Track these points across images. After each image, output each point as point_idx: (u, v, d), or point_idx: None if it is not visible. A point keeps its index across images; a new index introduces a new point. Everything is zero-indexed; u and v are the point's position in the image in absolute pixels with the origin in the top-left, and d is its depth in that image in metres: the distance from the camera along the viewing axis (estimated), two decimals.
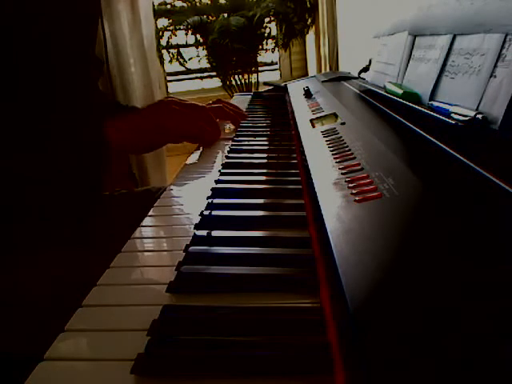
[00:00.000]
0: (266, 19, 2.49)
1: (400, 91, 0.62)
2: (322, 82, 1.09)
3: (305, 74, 2.87)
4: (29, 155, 0.53)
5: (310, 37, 2.61)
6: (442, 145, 0.42)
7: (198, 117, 0.68)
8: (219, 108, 0.82)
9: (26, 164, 0.53)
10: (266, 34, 2.58)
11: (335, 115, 0.69)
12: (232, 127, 0.87)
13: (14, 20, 0.54)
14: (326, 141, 0.56)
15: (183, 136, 0.69)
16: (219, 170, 0.59)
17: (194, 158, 0.71)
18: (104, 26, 1.52)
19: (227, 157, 0.65)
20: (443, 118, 0.48)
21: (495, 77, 0.43)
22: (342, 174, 0.43)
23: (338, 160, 0.47)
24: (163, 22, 2.56)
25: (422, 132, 0.47)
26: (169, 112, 0.64)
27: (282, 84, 1.31)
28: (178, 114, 0.65)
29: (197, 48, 2.65)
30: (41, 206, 0.56)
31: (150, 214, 0.49)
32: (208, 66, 2.66)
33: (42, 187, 0.54)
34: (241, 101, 1.14)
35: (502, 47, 0.43)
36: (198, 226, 0.42)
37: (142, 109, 0.63)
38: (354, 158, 0.46)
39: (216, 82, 2.83)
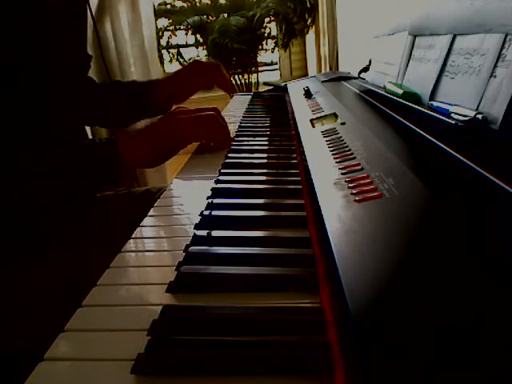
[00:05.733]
0: (266, 19, 2.48)
1: (400, 91, 0.62)
2: (322, 81, 1.09)
3: (305, 74, 2.87)
4: (28, 154, 0.53)
5: (310, 37, 2.61)
6: (442, 145, 0.42)
7: (204, 122, 0.67)
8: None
9: (26, 163, 0.53)
10: (266, 34, 2.58)
11: (335, 115, 0.69)
12: None
13: (7, 24, 0.54)
14: (326, 141, 0.56)
15: (192, 141, 0.68)
16: (219, 170, 0.59)
17: (194, 157, 0.71)
18: (105, 26, 1.52)
19: (227, 157, 0.65)
20: (443, 118, 0.48)
21: (495, 77, 0.43)
22: (342, 174, 0.43)
23: (338, 160, 0.47)
24: (163, 22, 2.56)
25: (422, 132, 0.47)
26: (174, 123, 0.64)
27: (282, 84, 1.31)
28: (183, 122, 0.64)
29: (197, 48, 2.65)
30: (41, 206, 0.56)
31: (150, 214, 0.49)
32: None
33: (43, 187, 0.54)
34: (241, 101, 1.14)
35: (502, 47, 0.43)
36: (198, 226, 0.42)
37: (148, 126, 0.62)
38: (354, 158, 0.46)
39: None
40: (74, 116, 0.65)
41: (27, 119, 0.57)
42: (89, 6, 0.72)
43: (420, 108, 0.55)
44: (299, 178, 0.53)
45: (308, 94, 0.97)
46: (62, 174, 0.54)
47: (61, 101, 0.63)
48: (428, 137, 0.45)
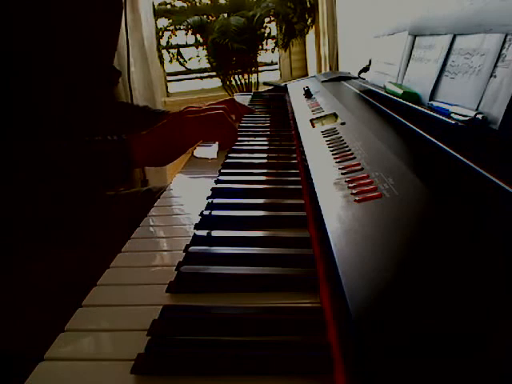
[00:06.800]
0: (266, 19, 2.49)
1: (400, 91, 0.62)
2: (322, 81, 1.09)
3: (305, 74, 2.87)
4: (31, 153, 0.53)
5: (310, 37, 2.61)
6: (442, 145, 0.42)
7: (212, 121, 0.67)
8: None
9: (28, 162, 0.53)
10: (266, 34, 2.59)
11: (335, 115, 0.69)
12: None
13: (35, 38, 0.54)
14: (326, 141, 0.56)
15: (200, 140, 0.69)
16: (219, 170, 0.59)
17: (194, 157, 0.71)
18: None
19: (227, 157, 0.65)
20: (443, 118, 0.48)
21: (495, 77, 0.43)
22: (342, 174, 0.43)
23: (338, 160, 0.47)
24: (163, 22, 2.56)
25: (422, 132, 0.47)
26: (182, 122, 0.64)
27: (282, 84, 1.31)
28: (191, 121, 0.65)
29: (197, 48, 2.65)
30: (41, 206, 0.56)
31: (150, 214, 0.49)
32: (208, 66, 2.66)
33: (43, 188, 0.54)
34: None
35: (502, 47, 0.43)
36: (198, 226, 0.42)
37: (156, 126, 0.63)
38: (354, 158, 0.46)
39: (216, 82, 2.83)
40: (83, 115, 0.65)
41: (30, 116, 0.57)
42: (125, 18, 0.72)
43: (420, 108, 0.55)
44: (299, 178, 0.53)
45: (308, 93, 0.97)
46: (68, 173, 0.54)
47: (77, 112, 0.63)
48: (428, 137, 0.45)
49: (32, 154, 0.53)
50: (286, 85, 1.27)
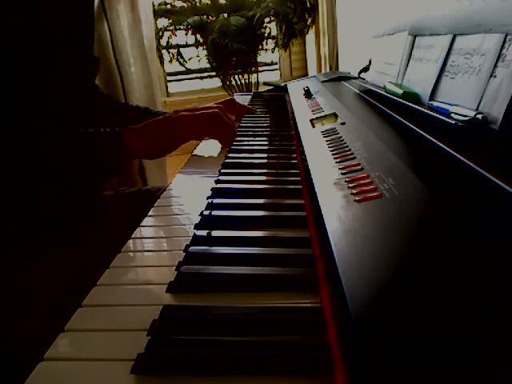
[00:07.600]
0: (266, 19, 2.48)
1: (400, 91, 0.62)
2: (322, 81, 1.09)
3: (305, 74, 2.87)
4: (27, 149, 0.53)
5: (310, 37, 2.61)
6: (442, 145, 0.42)
7: (206, 120, 0.68)
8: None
9: (25, 159, 0.53)
10: (266, 34, 2.58)
11: (335, 115, 0.69)
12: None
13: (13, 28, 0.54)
14: (326, 141, 0.56)
15: (194, 138, 0.69)
16: (219, 170, 0.59)
17: (193, 158, 0.71)
18: (104, 26, 1.52)
19: (227, 157, 0.65)
20: (443, 118, 0.48)
21: (495, 77, 0.43)
22: (342, 174, 0.43)
23: (338, 160, 0.47)
24: (163, 22, 2.55)
25: (422, 132, 0.47)
26: (177, 118, 0.65)
27: (282, 84, 1.31)
28: (187, 118, 0.65)
29: (197, 48, 2.65)
30: (41, 206, 0.56)
31: (150, 214, 0.49)
32: (208, 66, 2.66)
33: (43, 188, 0.54)
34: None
35: (502, 47, 0.43)
36: (198, 226, 0.42)
37: (151, 120, 0.63)
38: (354, 158, 0.46)
39: (216, 82, 2.83)
40: (75, 109, 0.66)
41: (26, 111, 0.57)
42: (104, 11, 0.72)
43: (420, 108, 0.55)
44: (299, 178, 0.53)
45: (308, 93, 0.97)
46: (63, 168, 0.55)
47: (63, 97, 0.63)
48: (428, 137, 0.45)
49: (30, 152, 0.53)
50: (286, 85, 1.27)
